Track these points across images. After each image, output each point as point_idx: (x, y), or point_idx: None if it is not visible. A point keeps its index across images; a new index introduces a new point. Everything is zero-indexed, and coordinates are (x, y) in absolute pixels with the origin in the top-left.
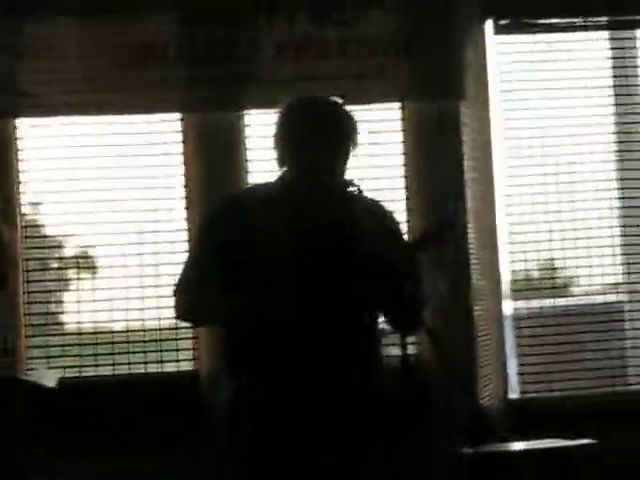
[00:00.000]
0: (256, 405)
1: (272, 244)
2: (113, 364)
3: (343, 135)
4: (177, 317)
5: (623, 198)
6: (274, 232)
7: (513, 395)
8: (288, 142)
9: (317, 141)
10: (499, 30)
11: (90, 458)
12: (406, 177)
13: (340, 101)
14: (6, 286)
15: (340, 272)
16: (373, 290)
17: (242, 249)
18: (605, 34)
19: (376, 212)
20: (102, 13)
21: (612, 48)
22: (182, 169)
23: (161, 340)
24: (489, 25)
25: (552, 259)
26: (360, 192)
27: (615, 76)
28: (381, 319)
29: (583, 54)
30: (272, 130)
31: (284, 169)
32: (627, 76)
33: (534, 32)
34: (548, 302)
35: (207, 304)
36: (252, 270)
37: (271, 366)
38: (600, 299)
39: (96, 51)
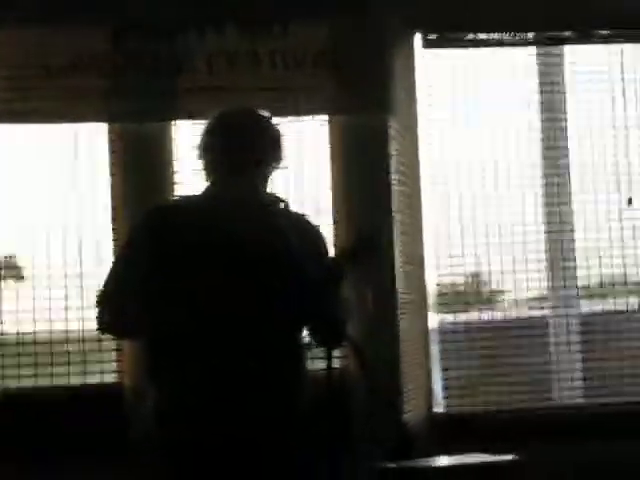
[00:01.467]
0: (175, 417)
1: (196, 257)
2: (35, 375)
3: (267, 147)
4: (100, 329)
5: (549, 212)
6: (198, 245)
7: (438, 409)
8: (212, 153)
9: (240, 153)
10: (427, 44)
11: (12, 466)
12: (333, 190)
13: (266, 113)
14: None
15: (264, 286)
16: (297, 304)
17: (166, 262)
18: (533, 50)
19: (301, 226)
20: (31, 21)
21: (539, 64)
22: (109, 179)
23: (85, 351)
24: (418, 39)
25: (478, 272)
26: (286, 206)
27: (542, 91)
28: (305, 333)
29: (511, 69)
30: (198, 141)
31: (210, 181)
32: (552, 92)
33: (462, 47)
34: (474, 316)
35: (128, 318)
36: (174, 283)
37: (191, 379)
38: (525, 313)
39: (23, 59)
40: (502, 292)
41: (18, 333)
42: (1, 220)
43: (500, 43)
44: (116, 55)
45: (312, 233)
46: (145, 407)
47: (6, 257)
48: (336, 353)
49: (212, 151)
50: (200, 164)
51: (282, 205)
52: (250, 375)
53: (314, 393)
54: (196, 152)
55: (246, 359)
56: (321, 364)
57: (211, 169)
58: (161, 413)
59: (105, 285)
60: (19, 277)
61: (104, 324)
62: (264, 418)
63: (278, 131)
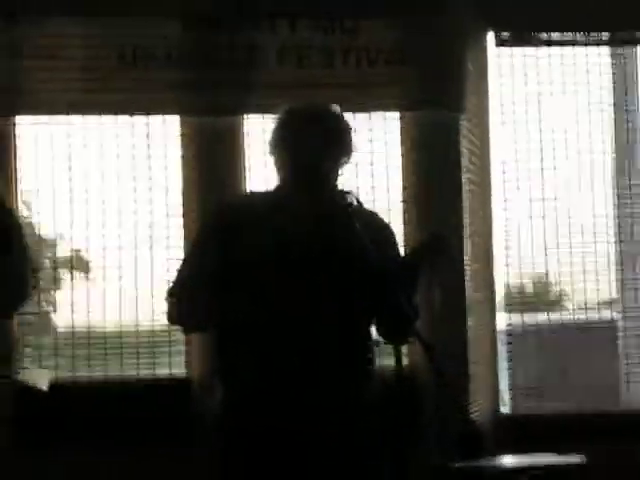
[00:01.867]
0: (245, 411)
1: (267, 253)
2: (105, 366)
3: (338, 142)
4: (169, 322)
5: (621, 214)
6: (269, 241)
7: (504, 410)
8: (282, 148)
9: (311, 148)
10: (500, 42)
11: (79, 459)
12: (404, 187)
13: (337, 108)
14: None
15: (333, 282)
16: (366, 300)
17: (235, 257)
18: (606, 50)
19: (372, 222)
20: (105, 15)
21: (613, 63)
22: (180, 173)
23: (154, 344)
24: (491, 37)
25: (547, 273)
26: (357, 202)
27: (615, 91)
28: (373, 329)
29: (584, 68)
30: (269, 136)
31: (280, 175)
32: (626, 93)
33: (535, 45)
34: (542, 317)
35: (199, 312)
36: (245, 278)
37: (259, 373)
38: (594, 315)
39: (98, 52)
40: (572, 294)
41: (89, 325)
42: (71, 213)
43: (573, 43)
44: (190, 48)
45: (383, 230)
46: (213, 400)
47: (76, 250)
48: (405, 350)
49: (283, 146)
50: (271, 159)
51: (354, 201)
52: (318, 369)
53: (383, 389)
54: (267, 147)
55: (315, 353)
56: (390, 361)
57: (282, 164)
58: (228, 406)
59: (176, 278)
60: (89, 270)
61: (174, 317)
62: (331, 412)
63: (349, 127)
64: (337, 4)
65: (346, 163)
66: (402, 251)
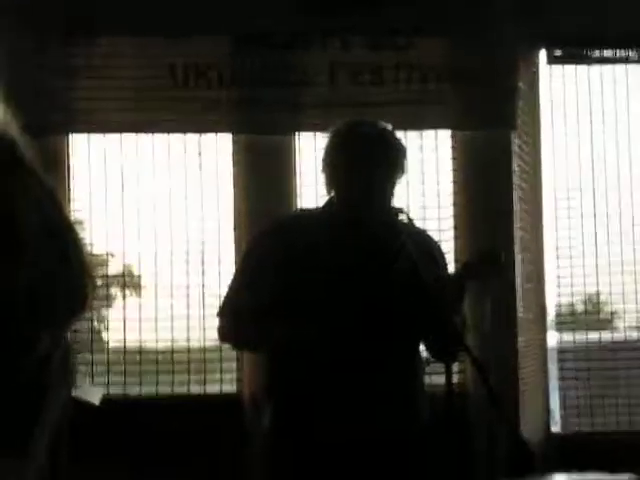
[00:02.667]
0: (295, 429)
1: (317, 271)
2: (157, 383)
3: (391, 161)
4: (221, 339)
5: None
6: (320, 259)
7: (555, 429)
8: (336, 166)
9: (364, 166)
10: (552, 60)
11: (130, 474)
12: (454, 205)
13: (389, 127)
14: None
15: (385, 300)
16: (417, 318)
17: (286, 276)
18: None
19: (422, 240)
20: (156, 34)
21: None
22: (231, 190)
23: (205, 361)
24: (542, 55)
25: (598, 292)
26: (409, 219)
27: None
28: (423, 348)
29: (636, 87)
30: (321, 154)
31: (332, 194)
32: None
33: (588, 63)
34: (593, 336)
35: (250, 331)
36: (298, 298)
37: (310, 394)
38: None
39: (150, 72)
40: (623, 313)
41: (140, 341)
42: (123, 230)
43: (625, 60)
44: (241, 68)
45: (433, 248)
46: (264, 417)
47: (128, 267)
48: (455, 368)
49: (336, 165)
50: (323, 177)
51: (405, 219)
52: (370, 388)
53: (434, 408)
54: (319, 165)
55: (366, 372)
56: (440, 379)
57: (333, 182)
58: (279, 424)
59: (227, 296)
60: (140, 287)
61: (226, 335)
62: (383, 431)
63: (401, 145)
64: (389, 21)
65: (398, 182)
66: (451, 269)
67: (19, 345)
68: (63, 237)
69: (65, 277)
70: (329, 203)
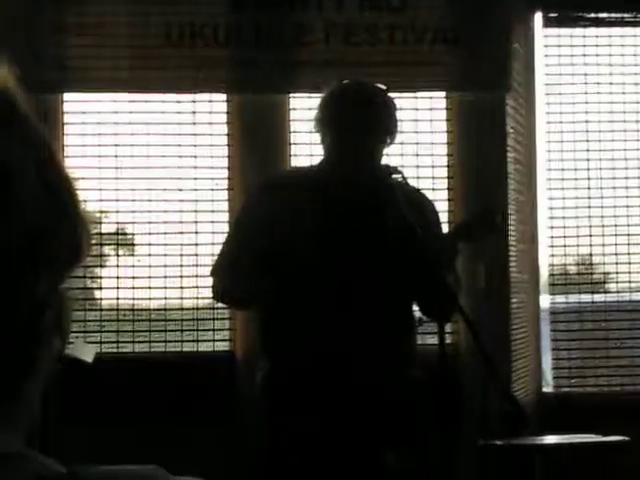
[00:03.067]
0: (287, 387)
1: (310, 229)
2: (149, 341)
3: (382, 121)
4: (214, 298)
5: None
6: (312, 217)
7: (547, 389)
8: (329, 125)
9: (355, 126)
10: (548, 23)
11: (123, 432)
12: (449, 166)
13: (383, 87)
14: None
15: (377, 258)
16: (410, 277)
17: (280, 234)
18: None
19: (416, 199)
20: None
21: None
22: (226, 149)
23: (198, 319)
24: (538, 17)
25: (591, 254)
26: (403, 179)
27: None
28: (416, 307)
29: (633, 49)
30: (315, 113)
31: (325, 153)
32: None
33: (584, 26)
34: (586, 297)
35: (242, 288)
36: (290, 255)
37: (303, 349)
38: (638, 296)
39: (144, 30)
40: (615, 275)
41: (133, 300)
42: (117, 189)
43: (622, 22)
44: (236, 27)
45: (427, 207)
46: (256, 375)
47: (121, 226)
48: (448, 329)
49: (329, 124)
50: (317, 136)
51: (399, 177)
52: (362, 346)
53: (427, 367)
54: (313, 124)
55: (358, 330)
56: (434, 339)
57: (328, 141)
58: (273, 381)
59: (220, 255)
60: (134, 245)
61: (219, 293)
62: (375, 389)
63: (395, 105)
64: None
65: (391, 142)
66: (446, 229)
67: (17, 288)
68: (60, 189)
69: (62, 227)
70: (322, 162)
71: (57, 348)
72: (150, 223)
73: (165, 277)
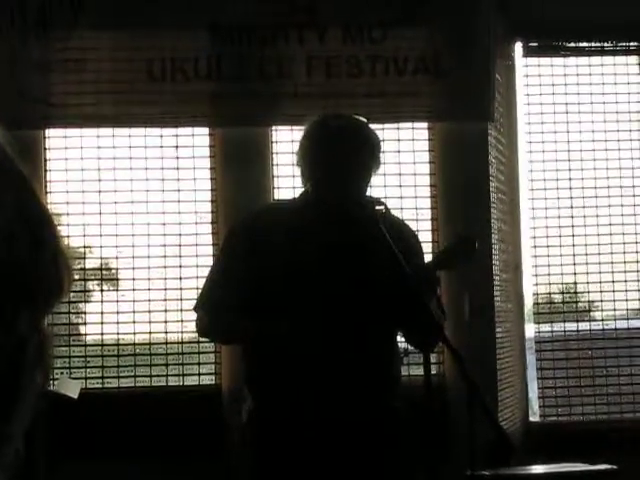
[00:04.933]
0: (272, 421)
1: (293, 261)
2: (135, 376)
3: (366, 153)
4: (198, 333)
5: None
6: (295, 249)
7: (534, 418)
8: (312, 158)
9: (340, 158)
10: (528, 52)
11: (109, 467)
12: (432, 196)
13: (364, 120)
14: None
15: (361, 290)
16: (393, 308)
17: (262, 268)
18: (635, 58)
19: (399, 230)
20: (133, 28)
21: None
22: (209, 183)
23: (183, 353)
24: (519, 47)
25: (575, 283)
26: (386, 210)
27: None
28: (401, 337)
29: (613, 78)
30: (297, 146)
31: (307, 186)
32: None
33: (564, 55)
34: (571, 326)
35: (226, 324)
36: (273, 290)
37: (288, 386)
38: (623, 324)
39: (127, 65)
40: (600, 303)
41: (118, 333)
42: (100, 224)
43: (601, 51)
44: (217, 61)
45: (409, 237)
46: (242, 409)
47: (105, 262)
48: (433, 359)
49: (311, 157)
50: (299, 169)
51: (382, 209)
52: (347, 379)
53: (412, 398)
54: (295, 157)
55: (343, 364)
56: (418, 370)
57: (310, 174)
58: (258, 415)
59: (203, 290)
60: (118, 280)
61: (203, 329)
62: (360, 422)
63: (377, 137)
64: (364, 12)
65: (374, 173)
66: (428, 259)
67: None
68: (40, 223)
69: (42, 261)
70: (304, 195)
71: (40, 383)
72: (134, 258)
73: (149, 311)
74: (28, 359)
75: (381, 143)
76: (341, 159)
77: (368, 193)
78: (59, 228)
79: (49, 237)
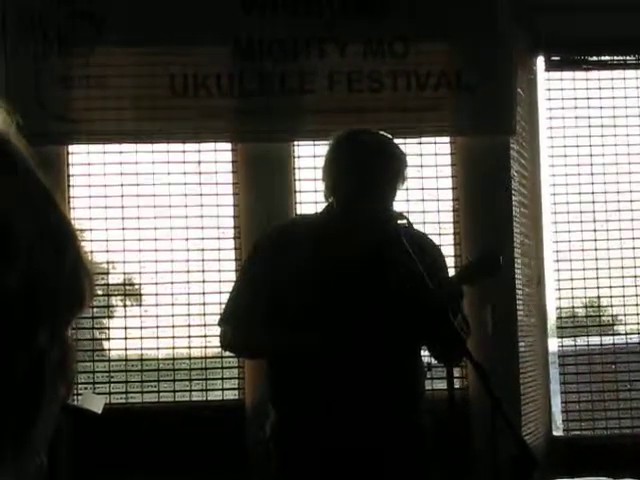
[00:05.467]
0: (296, 437)
1: (318, 277)
2: (158, 391)
3: (391, 168)
4: (222, 348)
5: None
6: (319, 264)
7: (557, 432)
8: (335, 173)
9: (365, 173)
10: (550, 66)
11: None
12: (454, 210)
13: (389, 135)
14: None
15: (385, 305)
16: (417, 322)
17: (286, 282)
18: None
19: (422, 244)
20: (155, 43)
21: None
22: (232, 198)
23: (207, 368)
24: (540, 61)
25: (599, 297)
26: (409, 224)
27: None
28: (425, 352)
29: (635, 92)
30: (321, 161)
31: (331, 200)
32: None
33: (586, 69)
34: (594, 340)
35: (251, 338)
36: (296, 303)
37: (313, 400)
38: None
39: (149, 80)
40: (623, 316)
41: (141, 348)
42: (124, 240)
43: (624, 65)
44: (240, 76)
45: (433, 251)
46: (266, 424)
47: (128, 277)
48: (457, 373)
49: (337, 170)
50: (323, 183)
51: (404, 223)
52: (371, 395)
53: (436, 412)
54: (318, 172)
55: (367, 379)
56: (442, 384)
57: (335, 188)
58: (282, 431)
59: (227, 304)
60: (141, 296)
61: (227, 343)
62: (384, 437)
63: (403, 153)
64: (387, 27)
65: (399, 188)
66: (451, 273)
67: (15, 338)
68: (61, 234)
69: (62, 273)
70: (328, 210)
71: (62, 395)
72: (157, 273)
73: (173, 326)
74: (49, 371)
75: (407, 159)
76: (367, 174)
77: (392, 207)
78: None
79: (70, 247)
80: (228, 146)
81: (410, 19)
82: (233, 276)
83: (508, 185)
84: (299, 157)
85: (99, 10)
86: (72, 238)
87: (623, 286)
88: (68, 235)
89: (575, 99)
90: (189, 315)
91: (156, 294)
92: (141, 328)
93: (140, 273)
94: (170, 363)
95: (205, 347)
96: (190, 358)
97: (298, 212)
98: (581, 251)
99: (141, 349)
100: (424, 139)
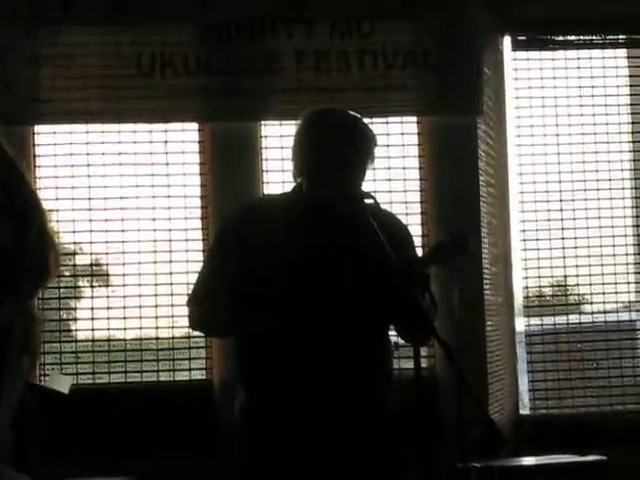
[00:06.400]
0: (265, 416)
1: (284, 256)
2: (125, 372)
3: (359, 147)
4: (191, 327)
5: (638, 216)
6: (287, 243)
7: (524, 411)
8: (304, 152)
9: (332, 152)
10: (517, 46)
11: (100, 462)
12: (421, 190)
13: (357, 114)
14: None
15: (352, 284)
16: (384, 301)
17: (253, 261)
18: (623, 52)
19: (390, 223)
20: (122, 23)
21: (630, 66)
22: (199, 178)
23: (174, 349)
24: (507, 41)
25: (565, 276)
26: (376, 204)
27: (632, 94)
28: (392, 331)
29: (601, 71)
30: (290, 141)
31: (299, 180)
32: None
33: (552, 49)
34: (561, 319)
35: (219, 317)
36: (265, 283)
37: (281, 380)
38: (613, 317)
39: (115, 60)
40: (590, 295)
41: (109, 329)
42: (90, 221)
43: (590, 45)
44: (207, 56)
45: (401, 231)
46: (234, 404)
47: (95, 258)
48: (424, 352)
49: (304, 150)
50: (291, 163)
51: (372, 203)
52: (338, 373)
53: (403, 391)
54: (285, 152)
55: (334, 358)
56: (409, 363)
57: (302, 169)
58: (251, 411)
59: (196, 284)
60: (108, 277)
61: (196, 322)
62: (352, 416)
63: (371, 132)
64: (353, 6)
65: (367, 168)
66: (420, 252)
67: None
68: (27, 208)
69: (26, 247)
70: (296, 190)
71: (26, 368)
72: (124, 253)
73: (140, 307)
74: (12, 346)
75: (376, 138)
76: (335, 153)
77: (360, 187)
78: (47, 212)
79: (35, 218)
80: (195, 126)
81: None
82: (200, 256)
83: (475, 165)
84: (266, 137)
85: None
86: (37, 211)
87: (589, 265)
88: (32, 208)
89: (542, 79)
90: (156, 295)
91: (123, 275)
92: (108, 309)
93: (107, 254)
94: (137, 343)
95: (172, 327)
96: (157, 338)
97: (266, 192)
98: (548, 231)
99: (108, 329)
100: (391, 118)
